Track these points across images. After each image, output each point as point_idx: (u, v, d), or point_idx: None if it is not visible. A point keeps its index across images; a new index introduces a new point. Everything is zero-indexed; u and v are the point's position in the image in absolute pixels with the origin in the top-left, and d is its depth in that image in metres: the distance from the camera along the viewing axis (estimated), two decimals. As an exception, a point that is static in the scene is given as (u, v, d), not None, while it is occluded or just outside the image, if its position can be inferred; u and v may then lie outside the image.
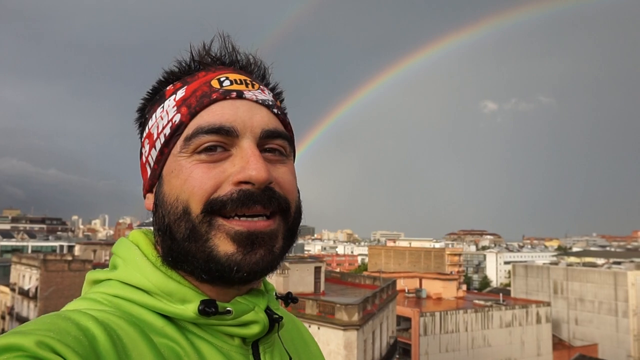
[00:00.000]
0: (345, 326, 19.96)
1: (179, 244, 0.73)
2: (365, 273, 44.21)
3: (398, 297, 33.64)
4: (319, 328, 20.58)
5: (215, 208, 0.72)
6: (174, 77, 0.82)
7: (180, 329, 0.71)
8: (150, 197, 0.81)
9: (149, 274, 0.73)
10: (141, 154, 0.84)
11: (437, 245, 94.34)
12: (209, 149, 0.74)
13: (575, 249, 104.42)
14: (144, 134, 0.83)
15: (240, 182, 0.72)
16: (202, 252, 0.72)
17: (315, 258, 33.88)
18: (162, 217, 0.75)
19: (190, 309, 0.70)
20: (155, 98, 0.83)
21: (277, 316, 0.80)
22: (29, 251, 68.83)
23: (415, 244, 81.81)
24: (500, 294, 43.71)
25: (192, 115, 0.76)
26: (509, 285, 61.73)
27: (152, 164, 0.80)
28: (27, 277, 49.38)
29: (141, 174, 0.84)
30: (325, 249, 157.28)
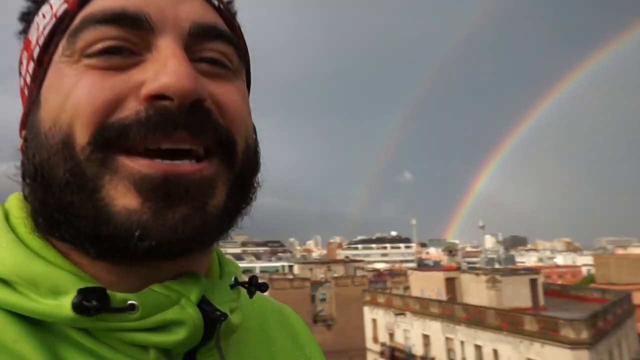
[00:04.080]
0: (573, 345, 18.05)
1: (55, 195, 0.48)
2: (592, 285, 39.44)
3: (637, 313, 29.41)
4: (542, 346, 19.02)
5: (112, 137, 0.47)
6: None
7: (51, 341, 0.45)
8: (24, 133, 0.54)
9: (2, 250, 0.48)
10: (20, 74, 0.58)
11: (684, 250, 79.89)
12: (106, 52, 0.49)
13: None
14: (22, 46, 0.57)
15: (152, 97, 0.47)
16: (90, 208, 0.46)
17: (529, 269, 31.59)
18: (33, 155, 0.50)
19: (66, 304, 0.44)
20: None
21: (219, 313, 0.51)
22: (258, 271, 77.65)
23: (653, 251, 71.31)
24: None
25: (83, 2, 0.51)
26: None
27: (29, 83, 0.55)
28: (257, 294, 55.56)
29: (21, 103, 0.58)
30: (542, 259, 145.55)
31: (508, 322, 21.07)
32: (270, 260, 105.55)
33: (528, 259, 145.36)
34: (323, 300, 53.58)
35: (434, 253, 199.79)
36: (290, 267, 74.28)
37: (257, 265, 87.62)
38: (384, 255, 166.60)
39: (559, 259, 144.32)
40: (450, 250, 36.11)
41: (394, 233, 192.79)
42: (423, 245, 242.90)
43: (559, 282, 70.54)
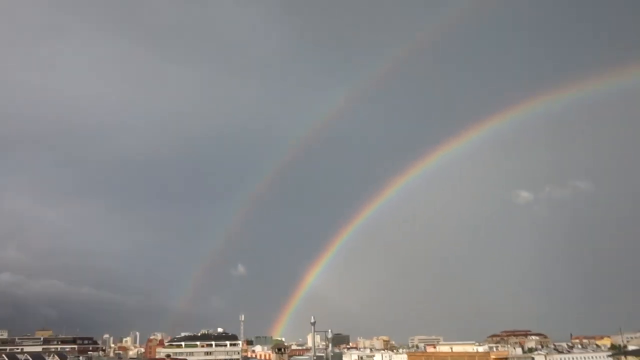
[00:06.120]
0: None
1: None
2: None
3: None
4: None
5: None
6: None
7: None
8: None
9: None
10: None
11: (480, 348, 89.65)
12: None
13: (631, 347, 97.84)
14: None
15: None
16: None
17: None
18: None
19: None
20: None
21: None
22: (60, 373, 67.43)
23: (456, 349, 78.70)
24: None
25: None
26: (563, 390, 57.05)
27: None
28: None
29: None
30: (362, 358, 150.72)
31: None
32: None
33: (349, 358, 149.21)
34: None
35: (259, 351, 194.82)
36: (101, 367, 66.03)
37: (61, 366, 76.29)
38: (208, 353, 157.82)
39: (377, 357, 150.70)
40: (279, 348, 35.63)
41: (220, 329, 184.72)
42: (250, 342, 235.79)
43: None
